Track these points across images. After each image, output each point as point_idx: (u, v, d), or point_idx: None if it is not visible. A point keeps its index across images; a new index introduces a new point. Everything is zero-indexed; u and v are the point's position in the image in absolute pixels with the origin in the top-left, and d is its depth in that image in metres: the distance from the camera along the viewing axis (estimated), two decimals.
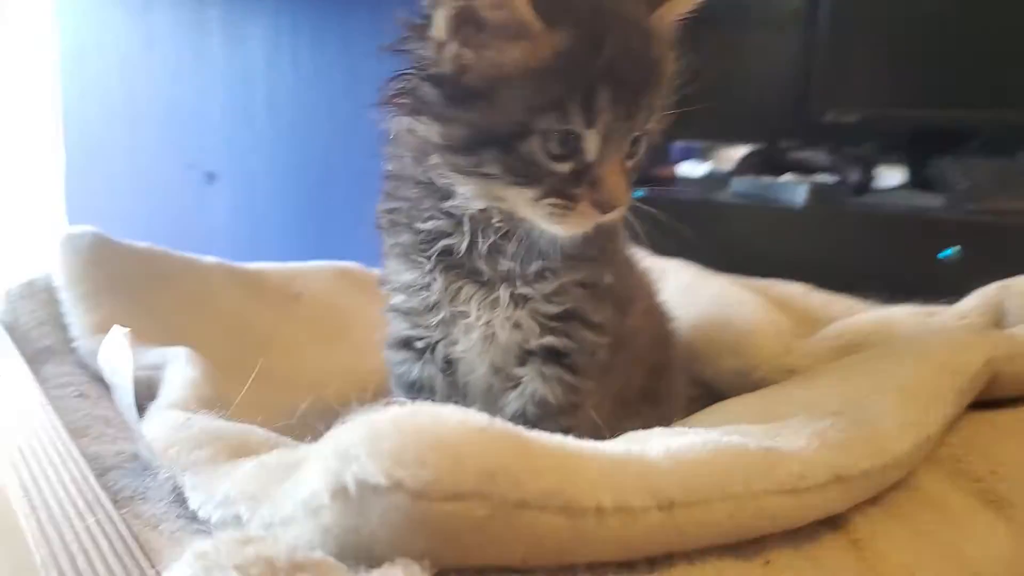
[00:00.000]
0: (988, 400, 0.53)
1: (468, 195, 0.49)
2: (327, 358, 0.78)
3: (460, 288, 0.53)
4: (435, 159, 0.48)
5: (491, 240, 0.50)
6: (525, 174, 0.45)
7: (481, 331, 0.54)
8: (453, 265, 0.52)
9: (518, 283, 0.51)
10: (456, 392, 0.59)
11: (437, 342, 0.57)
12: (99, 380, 0.63)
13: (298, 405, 0.75)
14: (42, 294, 0.71)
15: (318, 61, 1.32)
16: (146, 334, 0.68)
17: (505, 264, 0.51)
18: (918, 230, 1.12)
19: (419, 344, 0.58)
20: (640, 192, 1.41)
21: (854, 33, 1.46)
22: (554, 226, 0.47)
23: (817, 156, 1.74)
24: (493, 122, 0.44)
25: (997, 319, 0.64)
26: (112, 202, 1.46)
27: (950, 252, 1.06)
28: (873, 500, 0.43)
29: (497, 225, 0.50)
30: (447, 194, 0.50)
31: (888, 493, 0.43)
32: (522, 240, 0.50)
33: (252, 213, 1.41)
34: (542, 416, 0.55)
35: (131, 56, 1.41)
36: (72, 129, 1.48)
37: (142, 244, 0.78)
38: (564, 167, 0.45)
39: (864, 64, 1.57)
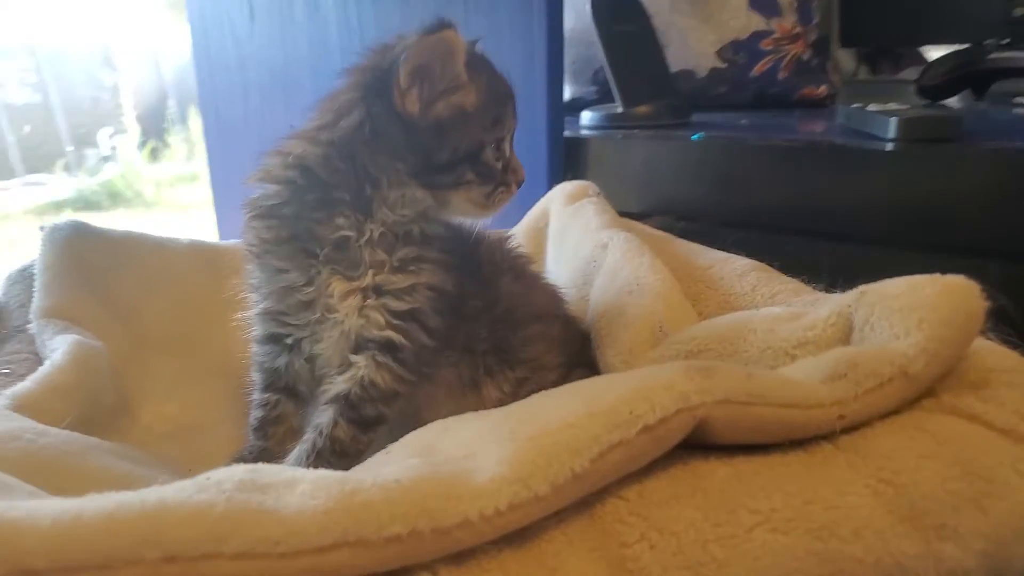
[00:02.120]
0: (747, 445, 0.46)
1: (418, 203, 0.62)
2: None
3: (331, 284, 0.61)
4: (395, 181, 0.61)
5: (380, 232, 0.61)
6: (487, 176, 0.63)
7: (340, 327, 0.62)
8: (334, 259, 0.61)
9: (385, 269, 0.61)
10: (313, 380, 0.66)
11: (303, 338, 0.64)
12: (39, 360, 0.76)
13: (218, 385, 0.83)
14: (30, 279, 0.85)
15: (381, 28, 1.36)
16: (91, 318, 0.80)
17: (380, 255, 0.61)
18: None
19: (288, 340, 0.66)
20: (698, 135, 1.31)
21: None
22: (485, 212, 0.65)
23: None
24: (463, 143, 0.62)
25: (847, 332, 0.53)
26: (241, 162, 1.65)
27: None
28: (456, 558, 0.40)
29: (392, 220, 0.61)
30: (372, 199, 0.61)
31: (480, 554, 0.40)
32: (400, 234, 0.62)
33: None
34: (365, 399, 0.61)
35: (238, 28, 1.56)
36: (206, 98, 1.68)
37: (119, 230, 0.90)
38: (499, 164, 0.64)
39: None
